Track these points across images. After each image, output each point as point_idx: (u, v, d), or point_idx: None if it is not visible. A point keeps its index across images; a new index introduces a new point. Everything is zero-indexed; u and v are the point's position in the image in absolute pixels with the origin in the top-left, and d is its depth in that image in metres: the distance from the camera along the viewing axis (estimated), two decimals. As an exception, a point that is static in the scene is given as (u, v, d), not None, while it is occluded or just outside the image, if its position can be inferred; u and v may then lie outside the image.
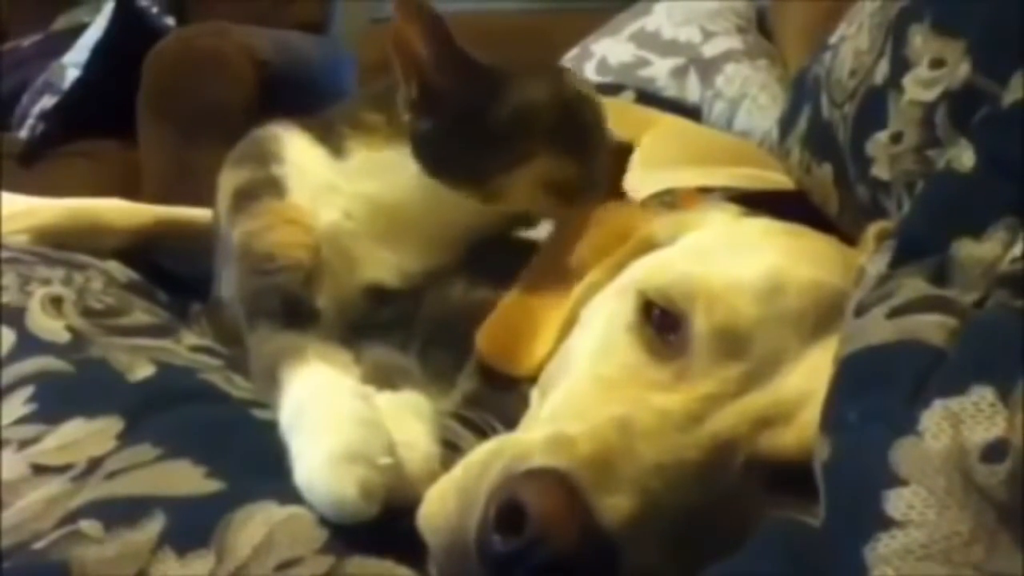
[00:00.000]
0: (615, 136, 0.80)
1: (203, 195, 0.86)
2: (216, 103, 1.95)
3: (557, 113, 0.76)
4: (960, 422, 0.44)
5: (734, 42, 1.88)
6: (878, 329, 0.53)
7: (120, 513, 0.56)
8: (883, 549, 0.43)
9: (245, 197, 0.77)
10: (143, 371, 0.69)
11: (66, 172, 2.06)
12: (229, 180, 0.80)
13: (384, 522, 0.56)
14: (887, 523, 0.44)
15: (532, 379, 0.72)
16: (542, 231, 0.84)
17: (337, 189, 0.78)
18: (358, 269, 0.78)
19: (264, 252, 0.73)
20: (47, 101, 2.15)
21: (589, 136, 0.78)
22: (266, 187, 0.78)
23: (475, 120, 0.75)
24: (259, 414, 0.66)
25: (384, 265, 0.78)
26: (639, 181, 0.95)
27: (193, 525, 0.56)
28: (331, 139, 0.80)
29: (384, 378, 0.67)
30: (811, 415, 0.55)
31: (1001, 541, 0.42)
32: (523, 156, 0.76)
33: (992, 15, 0.62)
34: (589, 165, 0.78)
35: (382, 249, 0.78)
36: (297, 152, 0.80)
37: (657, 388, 0.60)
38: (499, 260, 0.80)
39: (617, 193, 0.82)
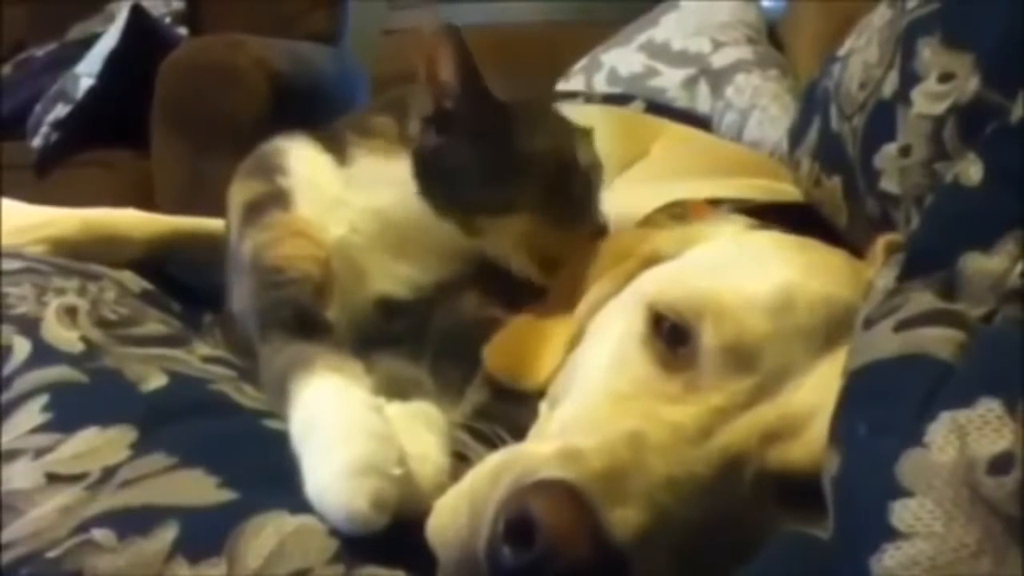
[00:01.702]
0: (601, 215, 0.81)
1: (216, 205, 0.87)
2: (229, 114, 1.96)
3: (552, 173, 0.77)
4: (967, 434, 0.45)
5: (744, 52, 1.88)
6: (886, 342, 0.53)
7: (133, 522, 0.57)
8: (889, 561, 0.44)
9: (253, 211, 0.78)
10: (156, 381, 0.70)
11: (79, 181, 2.07)
12: (238, 194, 0.81)
13: (394, 533, 0.56)
14: (893, 535, 0.44)
15: (541, 391, 0.72)
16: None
17: (344, 203, 0.79)
18: (368, 281, 0.78)
19: (274, 265, 0.74)
20: (61, 110, 2.17)
21: (573, 207, 0.79)
22: (273, 200, 0.78)
23: (477, 152, 0.76)
24: (271, 424, 0.67)
25: (394, 277, 0.79)
26: (648, 192, 0.96)
27: (205, 534, 0.56)
28: (337, 146, 0.81)
29: (395, 389, 0.67)
30: (820, 429, 0.55)
31: (1009, 554, 0.42)
32: (510, 205, 0.76)
33: (1001, 29, 0.62)
34: (569, 231, 0.79)
35: (391, 261, 0.79)
36: (303, 164, 0.81)
37: (667, 401, 0.60)
38: (510, 271, 0.80)
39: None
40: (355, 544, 0.56)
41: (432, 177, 0.77)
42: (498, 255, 0.80)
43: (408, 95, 0.78)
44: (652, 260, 0.74)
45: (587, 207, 0.80)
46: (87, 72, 2.19)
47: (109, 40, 2.21)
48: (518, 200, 0.76)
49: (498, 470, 0.56)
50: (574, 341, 0.72)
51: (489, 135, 0.76)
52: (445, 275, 0.80)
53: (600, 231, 0.81)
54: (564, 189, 0.77)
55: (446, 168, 0.77)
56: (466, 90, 0.75)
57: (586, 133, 0.83)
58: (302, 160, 0.81)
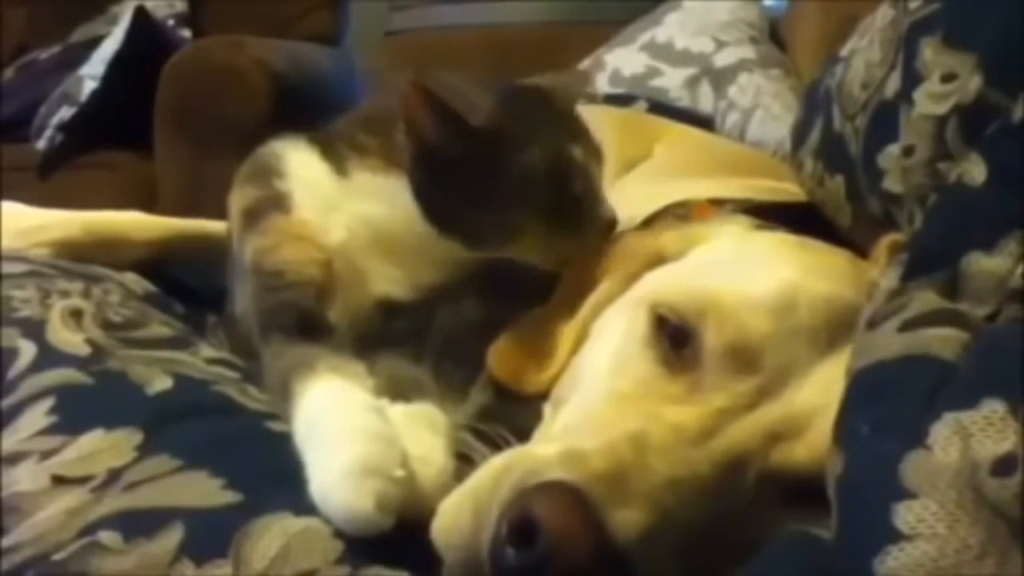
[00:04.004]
0: (607, 210, 0.80)
1: (219, 206, 0.87)
2: (231, 115, 1.96)
3: (549, 187, 0.76)
4: (970, 435, 0.45)
5: (747, 52, 1.88)
6: (890, 343, 0.53)
7: (139, 524, 0.57)
8: (892, 562, 0.44)
9: (253, 215, 0.78)
10: (161, 383, 0.70)
11: (83, 183, 2.07)
12: (237, 199, 0.81)
13: (399, 534, 0.56)
14: (896, 536, 0.44)
15: (545, 392, 0.72)
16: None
17: (340, 208, 0.79)
18: (368, 283, 0.78)
19: (275, 269, 0.74)
20: (65, 112, 2.17)
21: (577, 208, 0.78)
22: (272, 204, 0.78)
23: (470, 184, 0.76)
24: (275, 426, 0.67)
25: (394, 279, 0.79)
26: (651, 193, 0.96)
27: (211, 536, 0.56)
28: (333, 158, 0.81)
29: (398, 390, 0.67)
30: (823, 429, 0.55)
31: (1012, 555, 0.42)
32: (513, 228, 0.76)
33: (1003, 29, 0.62)
34: (577, 235, 0.78)
35: (391, 265, 0.79)
36: (301, 167, 0.81)
37: (670, 401, 0.60)
38: (511, 273, 0.80)
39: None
40: (360, 545, 0.56)
41: (430, 209, 0.77)
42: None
43: (389, 115, 0.78)
44: (656, 261, 0.74)
45: (592, 202, 0.79)
46: (91, 74, 2.19)
47: (113, 43, 2.22)
48: (520, 223, 0.76)
49: (501, 471, 0.56)
50: (578, 342, 0.72)
51: (477, 169, 0.75)
52: (445, 278, 0.80)
53: (611, 222, 0.80)
54: (565, 193, 0.77)
55: (443, 201, 0.77)
56: (444, 132, 0.74)
57: (579, 123, 0.82)
58: (300, 164, 0.81)
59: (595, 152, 0.81)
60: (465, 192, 0.76)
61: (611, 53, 2.01)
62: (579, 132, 0.81)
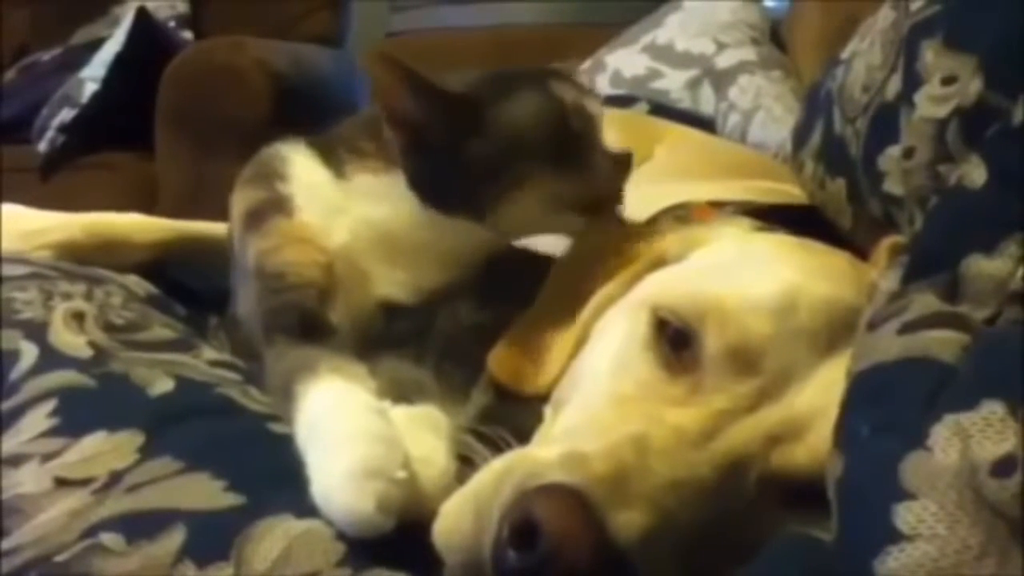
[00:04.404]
0: (611, 143, 0.79)
1: (220, 208, 0.87)
2: (233, 116, 1.97)
3: (542, 130, 0.75)
4: (970, 437, 0.45)
5: (748, 53, 1.89)
6: (890, 345, 0.53)
7: (141, 526, 0.57)
8: (893, 563, 0.44)
9: (255, 217, 0.78)
10: (163, 385, 0.70)
11: (85, 184, 2.08)
12: (239, 201, 0.81)
13: (401, 536, 0.56)
14: (897, 537, 0.44)
15: (546, 394, 0.72)
16: (553, 243, 0.85)
17: (342, 210, 0.79)
18: (370, 285, 0.78)
19: (277, 271, 0.74)
20: (66, 114, 2.17)
21: (580, 146, 0.77)
22: (274, 206, 0.78)
23: (462, 153, 0.75)
24: (277, 428, 0.67)
25: (396, 281, 0.79)
26: (652, 194, 0.96)
27: (213, 538, 0.57)
28: (334, 162, 0.81)
29: (399, 392, 0.67)
30: (824, 431, 0.55)
31: (1012, 555, 0.42)
32: (516, 181, 0.75)
33: (1004, 32, 0.62)
34: (588, 175, 0.77)
35: (393, 268, 0.79)
36: (303, 170, 0.81)
37: (671, 404, 0.61)
38: (513, 274, 0.80)
39: (618, 208, 0.81)
40: (361, 547, 0.56)
41: (433, 194, 0.76)
42: (534, 233, 0.80)
43: (380, 118, 0.78)
44: (656, 263, 0.74)
45: (596, 137, 0.78)
46: (92, 76, 2.19)
47: (114, 44, 2.22)
48: (521, 173, 0.75)
49: (503, 474, 0.56)
50: (579, 345, 0.73)
51: (464, 132, 0.75)
52: (447, 281, 0.80)
53: (623, 157, 0.79)
54: (562, 134, 0.76)
55: (440, 182, 0.76)
56: (423, 104, 0.74)
57: (557, 72, 0.81)
58: (301, 166, 0.81)
59: (585, 88, 0.80)
60: (457, 161, 0.75)
61: (612, 55, 2.01)
62: (564, 76, 0.80)
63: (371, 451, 0.58)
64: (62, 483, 0.61)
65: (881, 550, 0.44)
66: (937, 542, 0.43)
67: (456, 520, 0.55)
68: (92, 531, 0.58)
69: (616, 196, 0.80)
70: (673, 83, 1.88)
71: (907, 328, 0.53)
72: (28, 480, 0.61)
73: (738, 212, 0.88)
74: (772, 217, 0.84)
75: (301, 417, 0.63)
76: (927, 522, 0.44)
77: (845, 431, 0.52)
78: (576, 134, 0.77)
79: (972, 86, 0.62)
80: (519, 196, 0.76)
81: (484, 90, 0.76)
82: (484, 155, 0.75)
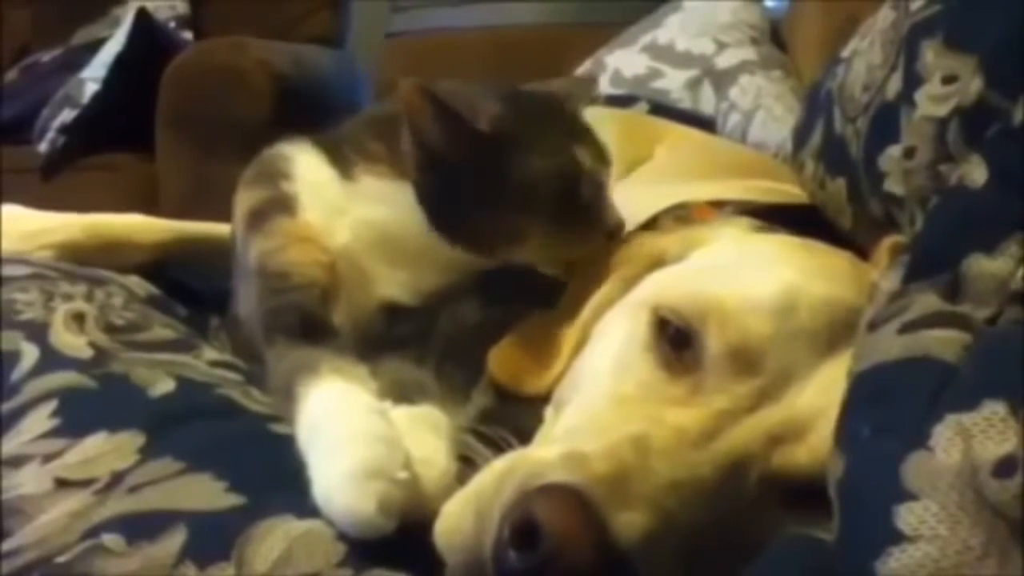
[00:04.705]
0: (614, 214, 0.80)
1: (221, 208, 0.87)
2: (233, 117, 1.97)
3: (557, 192, 0.76)
4: (972, 437, 0.45)
5: (748, 53, 1.89)
6: (890, 345, 0.53)
7: (142, 527, 0.57)
8: (894, 564, 0.44)
9: (258, 216, 0.78)
10: (164, 386, 0.70)
11: (85, 185, 2.08)
12: (243, 200, 0.81)
13: (401, 537, 0.56)
14: (898, 538, 0.44)
15: (547, 395, 0.72)
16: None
17: (345, 211, 0.79)
18: (372, 286, 0.78)
19: (280, 271, 0.74)
20: (67, 115, 2.17)
21: (585, 215, 0.78)
22: (278, 206, 0.79)
23: (475, 191, 0.76)
24: (278, 428, 0.67)
25: (398, 282, 0.79)
26: (652, 194, 0.96)
27: (214, 539, 0.56)
28: (340, 162, 0.81)
29: (401, 393, 0.67)
30: (824, 431, 0.55)
31: (1013, 556, 0.42)
32: (518, 233, 0.76)
33: (1004, 31, 0.62)
34: (581, 243, 0.79)
35: (394, 269, 0.79)
36: (307, 170, 0.81)
37: (671, 404, 0.61)
38: (513, 277, 0.80)
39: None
40: (362, 548, 0.56)
41: (436, 214, 0.77)
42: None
43: (395, 120, 0.78)
44: (656, 263, 0.74)
45: (600, 209, 0.79)
46: (92, 77, 2.19)
47: (114, 45, 2.22)
48: (526, 228, 0.76)
49: (503, 474, 0.56)
50: (579, 345, 0.73)
51: (482, 172, 0.76)
52: (448, 282, 0.80)
53: (617, 229, 0.80)
54: (572, 201, 0.77)
55: (448, 208, 0.77)
56: (448, 134, 0.74)
57: (586, 128, 0.82)
58: (306, 166, 0.81)
59: (602, 157, 0.81)
60: (470, 198, 0.76)
61: (612, 55, 2.01)
62: (586, 136, 0.81)
63: (372, 452, 0.58)
64: (63, 484, 0.61)
65: (882, 551, 0.44)
66: (938, 543, 0.43)
67: (457, 520, 0.55)
68: (93, 532, 0.58)
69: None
70: (673, 83, 1.88)
71: (908, 328, 0.53)
72: (29, 481, 0.61)
73: (738, 212, 0.88)
74: (772, 217, 0.84)
75: (302, 418, 0.63)
76: (928, 523, 0.44)
77: (846, 431, 0.52)
78: (585, 204, 0.78)
79: (972, 85, 0.62)
80: (518, 246, 0.77)
81: (509, 133, 0.76)
82: (495, 200, 0.76)
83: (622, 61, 1.97)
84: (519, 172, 0.75)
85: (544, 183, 0.76)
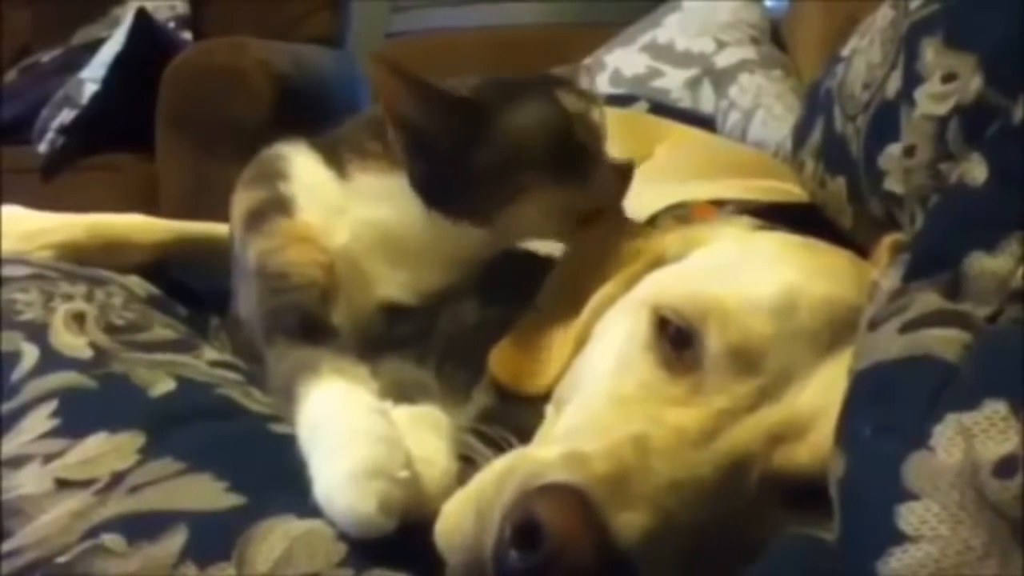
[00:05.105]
0: (614, 153, 0.80)
1: (221, 208, 0.87)
2: (233, 117, 1.97)
3: (546, 140, 0.75)
4: (973, 437, 0.45)
5: (748, 52, 1.89)
6: (891, 344, 0.53)
7: (143, 527, 0.57)
8: (895, 564, 0.44)
9: (257, 217, 0.78)
10: (164, 386, 0.70)
11: (85, 185, 2.08)
12: (241, 201, 0.81)
13: (402, 537, 0.56)
14: (899, 538, 0.44)
15: (547, 394, 0.72)
16: (554, 244, 0.85)
17: (344, 211, 0.79)
18: (372, 286, 0.78)
19: (279, 271, 0.74)
20: (66, 115, 2.17)
21: (583, 157, 0.77)
22: (276, 206, 0.78)
23: (465, 159, 0.75)
24: (278, 428, 0.67)
25: (398, 282, 0.79)
26: (652, 194, 0.96)
27: (214, 539, 0.56)
28: (337, 162, 0.81)
29: (401, 392, 0.67)
30: (825, 430, 0.55)
31: (1014, 556, 0.42)
32: (518, 190, 0.76)
33: (1004, 30, 0.62)
34: (589, 185, 0.77)
35: (394, 269, 0.79)
36: (304, 171, 0.81)
37: (672, 404, 0.60)
38: (514, 276, 0.80)
39: (620, 211, 0.82)
40: (363, 548, 0.56)
41: (435, 198, 0.77)
42: (532, 238, 0.80)
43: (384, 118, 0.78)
44: (657, 262, 0.74)
45: (598, 147, 0.78)
46: (92, 77, 2.19)
47: (114, 45, 2.22)
48: (524, 182, 0.75)
49: (504, 474, 0.56)
50: (579, 344, 0.72)
51: (467, 137, 0.75)
52: (448, 282, 0.80)
53: (627, 167, 0.79)
54: (567, 146, 0.76)
55: (442, 185, 0.77)
56: (425, 108, 0.74)
57: (563, 81, 0.81)
58: (304, 167, 0.81)
59: (590, 98, 0.80)
60: (460, 167, 0.75)
61: (612, 54, 2.01)
62: (567, 83, 0.80)
63: (373, 451, 0.58)
64: (63, 484, 0.61)
65: (883, 551, 0.44)
66: (939, 543, 0.43)
67: (458, 520, 0.55)
68: (93, 532, 0.58)
69: (616, 205, 0.80)
70: (673, 82, 1.89)
71: (908, 327, 0.53)
72: (29, 481, 0.61)
73: (738, 211, 0.88)
74: (773, 216, 0.84)
75: (303, 418, 0.63)
76: (929, 523, 0.44)
77: (847, 431, 0.52)
78: (580, 145, 0.77)
79: (972, 84, 0.62)
80: (520, 204, 0.76)
81: (488, 96, 0.76)
82: (487, 162, 0.75)
83: (622, 60, 1.97)
84: (504, 130, 0.75)
85: (531, 133, 0.75)
